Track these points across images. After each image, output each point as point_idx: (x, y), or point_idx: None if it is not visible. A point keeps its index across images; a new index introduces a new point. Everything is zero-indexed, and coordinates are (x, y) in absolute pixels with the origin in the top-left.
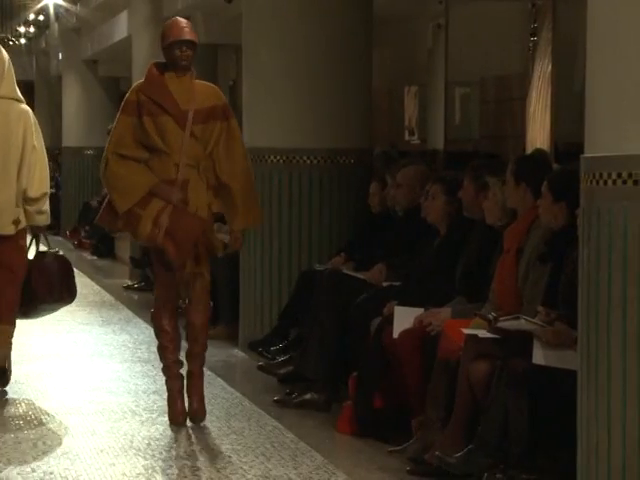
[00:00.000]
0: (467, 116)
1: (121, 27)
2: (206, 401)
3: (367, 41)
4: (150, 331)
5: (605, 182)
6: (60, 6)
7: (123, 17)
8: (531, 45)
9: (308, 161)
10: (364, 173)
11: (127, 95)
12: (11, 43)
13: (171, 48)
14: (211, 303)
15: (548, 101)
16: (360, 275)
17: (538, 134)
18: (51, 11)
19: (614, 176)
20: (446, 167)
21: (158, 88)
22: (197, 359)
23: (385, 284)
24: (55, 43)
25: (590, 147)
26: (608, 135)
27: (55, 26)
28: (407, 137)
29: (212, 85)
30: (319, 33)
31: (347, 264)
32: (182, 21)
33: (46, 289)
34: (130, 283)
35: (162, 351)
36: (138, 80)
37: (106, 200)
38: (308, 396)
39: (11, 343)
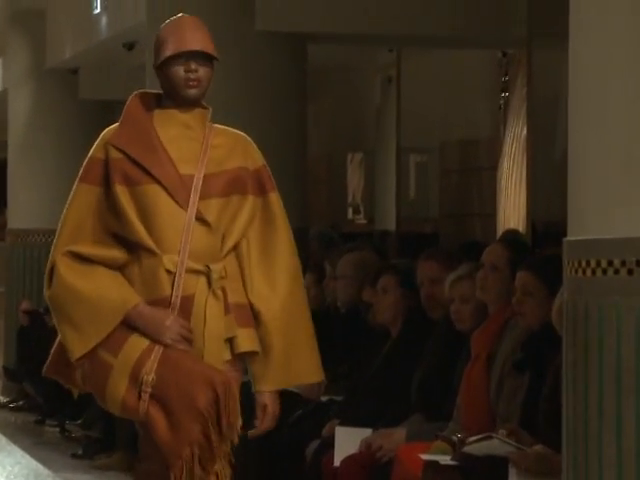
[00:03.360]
0: (424, 190)
1: None
2: None
3: (300, 97)
4: (31, 462)
5: (593, 271)
6: None
7: None
8: (502, 103)
9: None
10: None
11: (91, 150)
12: None
13: (169, 67)
14: None
15: (523, 172)
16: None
17: (512, 212)
18: None
19: (604, 264)
20: (399, 253)
21: (141, 136)
22: None
23: (324, 398)
24: None
25: (575, 228)
26: (596, 214)
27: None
28: (351, 215)
29: (240, 134)
30: (240, 86)
31: None
32: (189, 21)
33: None
34: (3, 400)
35: None
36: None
37: (57, 341)
38: None
39: None
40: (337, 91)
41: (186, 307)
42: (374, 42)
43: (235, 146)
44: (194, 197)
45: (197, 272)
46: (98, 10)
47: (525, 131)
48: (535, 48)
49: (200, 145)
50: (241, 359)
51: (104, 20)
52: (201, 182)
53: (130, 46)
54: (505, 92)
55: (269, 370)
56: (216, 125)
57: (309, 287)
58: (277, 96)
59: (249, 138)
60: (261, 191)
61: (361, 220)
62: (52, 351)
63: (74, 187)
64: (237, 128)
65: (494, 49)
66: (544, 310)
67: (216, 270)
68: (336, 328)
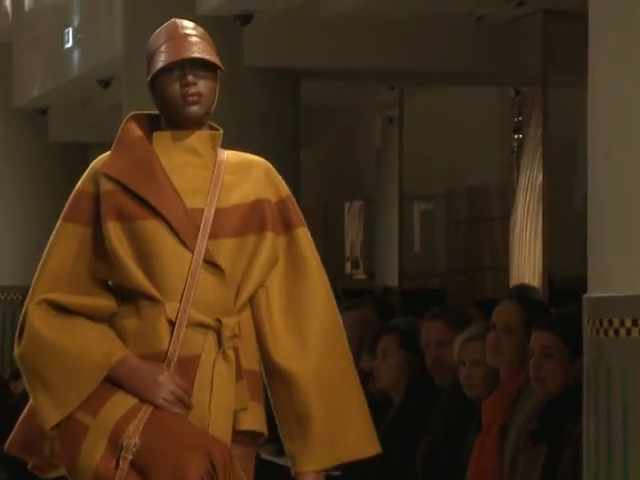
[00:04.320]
0: (430, 242)
1: None
2: None
3: (293, 139)
4: None
5: (616, 331)
6: None
7: None
8: (515, 146)
9: None
10: None
11: (77, 184)
12: None
13: (163, 82)
14: None
15: (539, 221)
16: (284, 461)
17: (526, 266)
18: None
19: (628, 323)
20: (402, 312)
21: (139, 163)
22: None
23: None
24: None
25: (596, 284)
26: (619, 268)
27: None
28: (349, 270)
29: (258, 159)
30: (225, 127)
31: (266, 447)
32: (187, 26)
33: None
34: None
35: None
36: None
37: (26, 409)
38: None
39: None
40: (333, 133)
41: (189, 370)
42: (374, 79)
43: (252, 174)
44: (203, 235)
45: (205, 326)
46: (70, 44)
47: (541, 177)
48: (551, 85)
49: (210, 174)
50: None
51: (76, 55)
52: (212, 218)
53: (105, 83)
54: (518, 133)
55: (310, 446)
56: (228, 151)
57: None
58: (267, 138)
59: (269, 164)
60: (286, 227)
61: (360, 275)
62: (19, 421)
63: (56, 227)
64: None
65: (506, 86)
66: (565, 373)
67: (228, 325)
68: None
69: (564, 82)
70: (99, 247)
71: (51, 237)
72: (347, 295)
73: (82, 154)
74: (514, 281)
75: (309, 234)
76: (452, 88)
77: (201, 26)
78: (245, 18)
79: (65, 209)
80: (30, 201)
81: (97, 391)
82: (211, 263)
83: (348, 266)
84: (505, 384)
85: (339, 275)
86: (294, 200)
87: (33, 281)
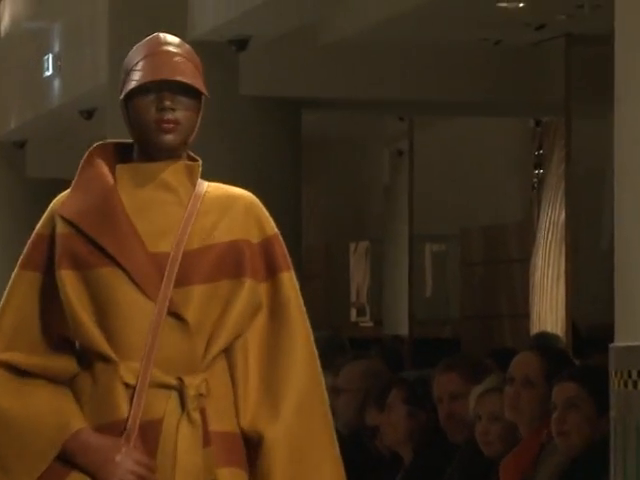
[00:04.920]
0: (443, 286)
1: None
2: None
3: (294, 174)
4: None
5: None
6: None
7: None
8: (535, 182)
9: None
10: None
11: (38, 224)
12: None
13: (136, 104)
14: None
15: (562, 264)
16: None
17: (548, 313)
18: None
19: None
20: (413, 362)
21: (97, 202)
22: None
23: None
24: None
25: (623, 333)
26: None
27: None
28: (354, 317)
29: (243, 193)
30: (220, 161)
31: None
32: (171, 42)
33: None
34: None
35: None
36: None
37: None
38: None
39: None
40: (337, 167)
41: (151, 437)
42: (381, 109)
43: (232, 211)
44: (167, 283)
45: (167, 387)
46: (50, 72)
47: (563, 215)
48: (575, 115)
49: (183, 211)
50: None
51: (57, 83)
52: (178, 263)
53: (89, 114)
54: (539, 168)
55: None
56: (211, 184)
57: None
58: (265, 173)
59: (255, 199)
60: (269, 272)
61: (367, 323)
62: None
63: (13, 275)
64: None
65: (526, 117)
66: (590, 428)
67: (192, 384)
68: None
69: (589, 112)
70: (56, 298)
71: (8, 287)
72: (353, 345)
73: (63, 191)
74: (534, 329)
75: (294, 279)
76: (466, 119)
77: (193, 51)
78: (241, 43)
79: (23, 255)
80: (5, 242)
81: (49, 470)
82: (175, 315)
83: (354, 313)
84: (525, 442)
85: (344, 323)
86: (281, 240)
87: None
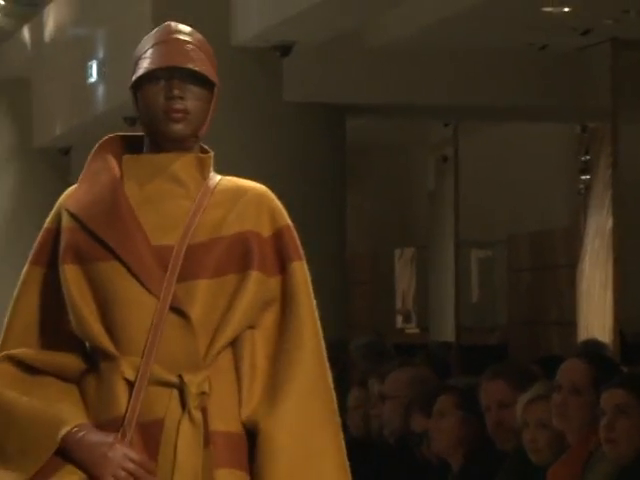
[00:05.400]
0: (489, 293)
1: None
2: None
3: (339, 181)
4: None
5: None
6: None
7: None
8: (582, 188)
9: None
10: (335, 377)
11: (46, 221)
12: None
13: (145, 92)
14: None
15: (609, 270)
16: None
17: (595, 319)
18: None
19: None
20: (461, 369)
21: (101, 196)
22: None
23: None
24: None
25: None
26: None
27: None
28: (400, 324)
29: (254, 185)
30: (265, 168)
31: None
32: (182, 30)
33: None
34: None
35: None
36: None
37: None
38: None
39: None
40: (382, 174)
41: (153, 436)
42: (426, 115)
43: (240, 203)
44: (170, 278)
45: (168, 385)
46: (94, 78)
47: (610, 221)
48: (622, 121)
49: (193, 204)
50: None
51: (101, 90)
52: (182, 256)
53: (133, 120)
54: (585, 174)
55: None
56: (224, 177)
57: (356, 407)
58: (310, 180)
59: (267, 190)
60: (281, 264)
61: (413, 329)
62: None
63: (23, 271)
64: None
65: (572, 122)
66: None
67: (194, 382)
68: (383, 462)
69: (635, 117)
70: (59, 292)
71: (18, 283)
72: (398, 351)
73: None
74: (582, 336)
75: (306, 270)
76: (512, 124)
77: (237, 58)
78: (285, 49)
79: (32, 251)
80: None
81: (48, 463)
82: (178, 310)
83: (399, 319)
84: (573, 450)
85: (390, 329)
86: (293, 231)
87: (2, 334)
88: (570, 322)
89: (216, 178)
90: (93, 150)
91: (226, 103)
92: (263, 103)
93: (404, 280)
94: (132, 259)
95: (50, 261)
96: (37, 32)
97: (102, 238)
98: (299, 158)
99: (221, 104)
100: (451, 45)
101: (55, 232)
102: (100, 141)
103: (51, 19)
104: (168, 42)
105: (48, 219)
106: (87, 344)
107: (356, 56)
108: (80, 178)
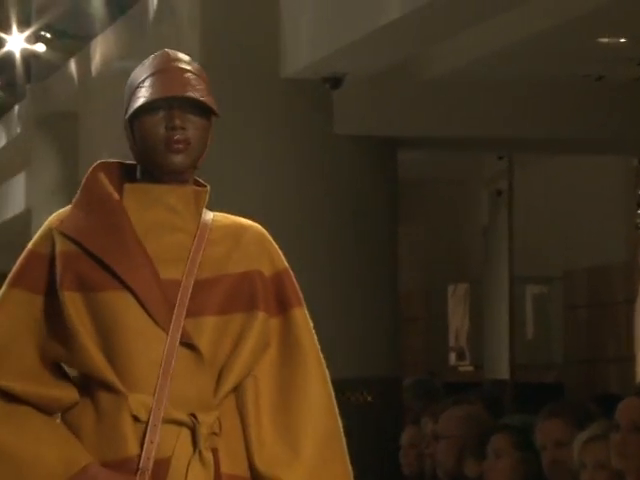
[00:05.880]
0: (545, 329)
1: (16, 197)
2: None
3: (390, 216)
4: None
5: None
6: None
7: (19, 183)
8: (639, 222)
9: None
10: (390, 416)
11: (29, 244)
12: None
13: (143, 122)
14: None
15: None
16: None
17: None
18: None
19: None
20: (515, 407)
21: (105, 221)
22: None
23: None
24: None
25: None
26: None
27: None
28: (454, 361)
29: (251, 224)
30: (316, 202)
31: None
32: (181, 58)
33: None
34: None
35: None
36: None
37: None
38: None
39: None
40: (435, 208)
41: (158, 476)
42: (480, 148)
43: (242, 242)
44: (179, 312)
45: (177, 423)
46: None
47: None
48: None
49: (190, 239)
50: None
51: None
52: (190, 291)
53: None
54: None
55: None
56: (216, 213)
57: (410, 446)
58: (362, 214)
59: (264, 230)
60: (280, 307)
61: (467, 367)
62: None
63: (1, 293)
64: (312, 253)
65: (629, 155)
66: None
67: (206, 422)
68: None
69: None
70: (51, 321)
71: None
72: (451, 389)
73: None
74: None
75: (307, 316)
76: (568, 157)
77: (287, 90)
78: (335, 81)
79: (12, 272)
80: None
81: None
82: (189, 346)
83: (452, 357)
84: None
85: (442, 367)
86: (292, 275)
87: None
88: (628, 359)
89: (209, 213)
90: (87, 174)
91: (275, 136)
92: (313, 136)
93: (457, 316)
94: (142, 290)
95: (37, 286)
96: (84, 65)
97: (111, 266)
98: (350, 192)
99: (271, 137)
100: (505, 77)
101: (46, 257)
102: (94, 165)
103: (98, 52)
104: (168, 71)
105: (33, 242)
106: (79, 376)
107: (408, 88)
108: (75, 202)
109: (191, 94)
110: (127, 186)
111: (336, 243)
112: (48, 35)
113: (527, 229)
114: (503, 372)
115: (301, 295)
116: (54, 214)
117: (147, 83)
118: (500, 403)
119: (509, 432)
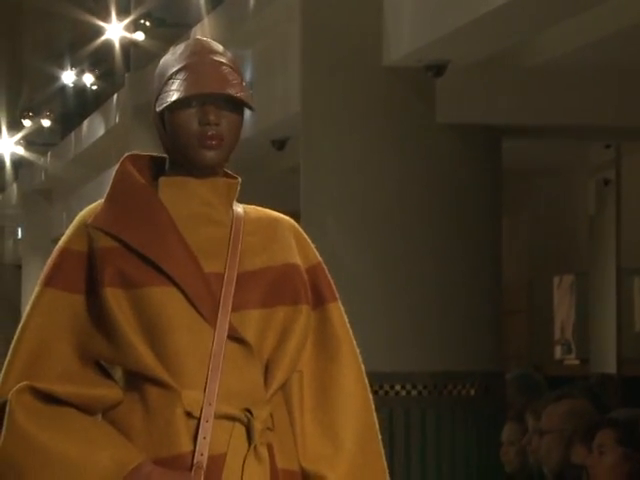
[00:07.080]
0: None
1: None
2: None
3: (494, 206)
4: None
5: None
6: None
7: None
8: None
9: (404, 391)
10: (492, 410)
11: (60, 241)
12: None
13: (176, 116)
14: None
15: None
16: None
17: None
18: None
19: None
20: (622, 402)
21: (143, 215)
22: None
23: None
24: (12, 213)
25: None
26: None
27: (14, 187)
28: (559, 355)
29: (281, 216)
30: (418, 192)
31: None
32: (215, 50)
33: None
34: None
35: None
36: None
37: None
38: None
39: None
40: (540, 198)
41: (212, 472)
42: (586, 136)
43: (278, 234)
44: (225, 306)
45: (230, 419)
46: None
47: None
48: None
49: (226, 231)
50: None
51: (248, 113)
52: (234, 285)
53: (281, 143)
54: None
55: None
56: (246, 205)
57: (510, 443)
58: (464, 205)
59: (296, 224)
60: (317, 301)
61: (572, 360)
62: None
63: (34, 293)
64: (414, 245)
65: None
66: None
67: (260, 417)
68: None
69: None
70: (91, 319)
71: (28, 306)
72: (556, 383)
73: None
74: None
75: (342, 310)
76: None
77: (388, 77)
78: (438, 69)
79: (45, 271)
80: None
81: None
82: (237, 339)
83: (558, 350)
84: None
85: (548, 361)
86: (325, 268)
87: (6, 362)
88: None
89: (239, 205)
90: (118, 167)
91: (376, 125)
92: (415, 125)
93: (563, 309)
94: (188, 285)
95: (74, 285)
96: None
97: (155, 262)
98: (453, 182)
99: (372, 126)
100: (611, 64)
101: (81, 254)
102: (122, 158)
103: None
104: (203, 64)
105: (66, 240)
106: (124, 374)
107: (512, 76)
108: (107, 196)
109: (228, 91)
110: (162, 179)
111: (438, 235)
112: (147, 23)
113: (635, 219)
114: (610, 366)
115: (334, 289)
116: (85, 210)
117: (181, 76)
118: (606, 397)
119: (614, 427)
